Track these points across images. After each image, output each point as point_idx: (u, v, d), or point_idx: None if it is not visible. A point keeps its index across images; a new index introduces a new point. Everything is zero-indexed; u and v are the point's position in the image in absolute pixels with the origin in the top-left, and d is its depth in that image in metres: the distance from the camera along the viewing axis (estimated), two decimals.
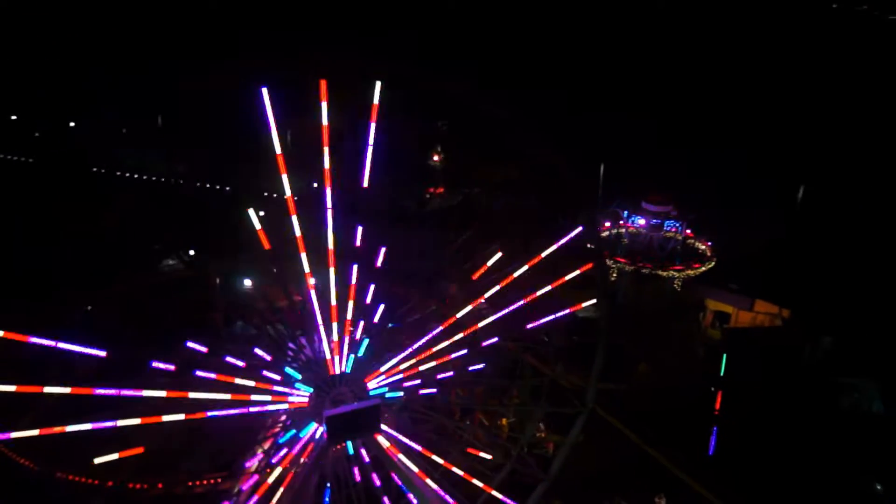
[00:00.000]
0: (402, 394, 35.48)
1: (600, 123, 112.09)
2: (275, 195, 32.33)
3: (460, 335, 34.91)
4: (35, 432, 29.29)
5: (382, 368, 34.63)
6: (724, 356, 62.82)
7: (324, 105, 30.48)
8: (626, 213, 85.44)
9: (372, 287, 34.69)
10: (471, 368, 37.23)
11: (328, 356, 33.57)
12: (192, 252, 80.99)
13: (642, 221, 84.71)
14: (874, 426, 55.36)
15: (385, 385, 34.81)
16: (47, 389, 29.04)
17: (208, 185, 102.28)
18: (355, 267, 33.41)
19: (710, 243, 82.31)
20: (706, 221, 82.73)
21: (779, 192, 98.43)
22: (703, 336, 73.28)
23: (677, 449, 51.49)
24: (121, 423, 30.17)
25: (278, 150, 30.19)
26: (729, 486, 47.66)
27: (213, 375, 31.83)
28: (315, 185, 32.23)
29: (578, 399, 39.03)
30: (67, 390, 29.46)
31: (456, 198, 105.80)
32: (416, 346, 35.07)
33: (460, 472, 37.16)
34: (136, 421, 30.20)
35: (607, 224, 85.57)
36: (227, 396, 32.23)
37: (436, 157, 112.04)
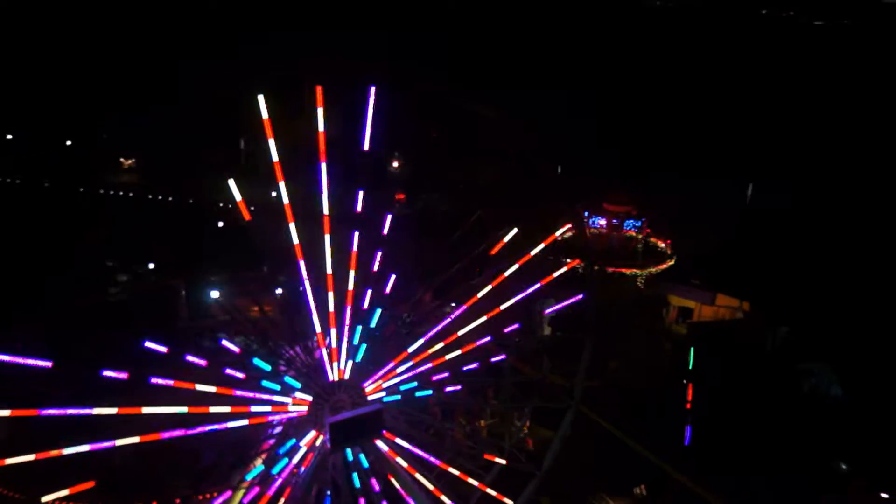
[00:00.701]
0: (399, 397, 35.85)
1: (557, 125, 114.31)
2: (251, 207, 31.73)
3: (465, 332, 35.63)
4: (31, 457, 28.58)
5: (380, 373, 34.99)
6: (692, 349, 65.12)
7: (320, 111, 30.73)
8: (586, 213, 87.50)
9: (369, 292, 34.98)
10: (465, 368, 37.79)
11: (327, 363, 33.76)
12: (150, 266, 79.79)
13: (603, 222, 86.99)
14: (834, 409, 58.24)
15: (383, 389, 35.15)
16: None
17: (168, 198, 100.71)
18: (352, 273, 33.72)
19: (669, 241, 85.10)
20: (665, 220, 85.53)
21: (733, 190, 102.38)
22: (669, 331, 75.63)
23: (655, 441, 53.08)
24: (119, 442, 29.76)
25: (275, 156, 30.31)
26: (707, 474, 49.39)
27: (213, 388, 31.60)
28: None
29: (566, 394, 40.15)
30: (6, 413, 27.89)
31: (417, 205, 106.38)
32: (412, 348, 35.56)
33: (456, 472, 37.83)
34: (135, 439, 29.78)
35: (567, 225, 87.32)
36: (227, 409, 32.08)
37: (395, 164, 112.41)
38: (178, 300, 71.15)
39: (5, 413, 27.87)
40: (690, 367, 64.38)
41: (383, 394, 35.12)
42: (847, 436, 53.65)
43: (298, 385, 33.34)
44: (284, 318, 36.33)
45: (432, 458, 37.11)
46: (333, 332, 33.69)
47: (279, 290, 75.90)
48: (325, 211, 32.21)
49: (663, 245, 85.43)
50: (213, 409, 31.64)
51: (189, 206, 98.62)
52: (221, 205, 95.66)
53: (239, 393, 32.49)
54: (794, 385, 60.97)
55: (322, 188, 32.03)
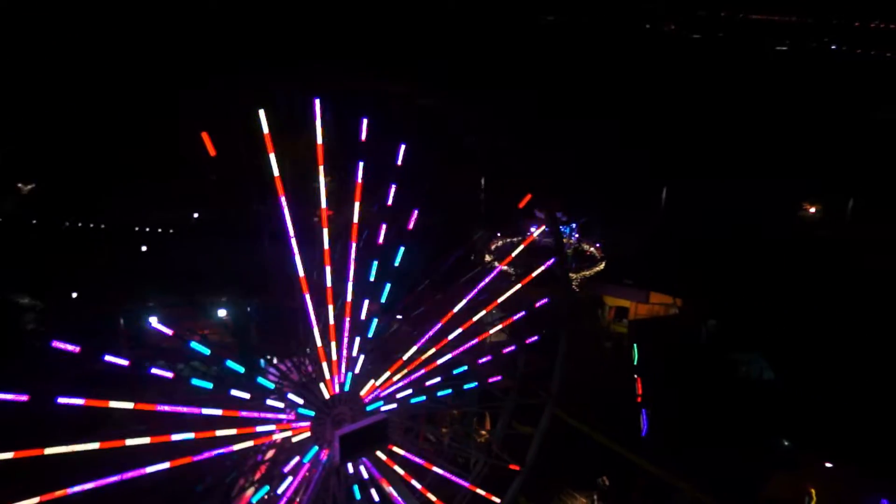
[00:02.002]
0: (395, 405, 36.14)
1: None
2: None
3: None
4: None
5: (378, 382, 35.20)
6: (635, 346, 68.51)
7: (318, 123, 30.90)
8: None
9: (366, 302, 35.20)
10: (455, 371, 38.55)
11: (327, 377, 33.66)
12: (73, 294, 75.43)
13: (533, 228, 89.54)
14: (769, 392, 62.70)
15: (381, 399, 35.37)
16: None
17: (81, 224, 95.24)
18: (350, 283, 33.88)
19: (598, 245, 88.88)
20: (594, 224, 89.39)
21: (656, 191, 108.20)
22: (607, 331, 78.96)
23: (614, 433, 55.46)
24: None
25: (276, 171, 30.18)
26: (666, 459, 52.13)
27: (219, 411, 30.92)
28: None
29: (543, 389, 41.73)
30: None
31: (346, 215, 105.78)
32: (406, 356, 36.00)
33: (447, 475, 38.48)
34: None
35: (499, 234, 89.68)
36: (233, 431, 31.44)
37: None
38: (117, 328, 67.85)
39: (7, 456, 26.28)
40: (635, 363, 67.73)
41: (381, 403, 35.35)
42: (784, 415, 57.90)
43: (300, 401, 33.12)
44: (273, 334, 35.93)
45: (426, 464, 37.68)
46: (333, 344, 33.71)
47: (223, 312, 73.45)
48: (323, 203, 32.23)
49: (593, 249, 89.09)
50: (219, 433, 30.96)
51: (107, 231, 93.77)
52: (138, 229, 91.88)
53: (244, 414, 31.96)
54: (730, 372, 65.16)
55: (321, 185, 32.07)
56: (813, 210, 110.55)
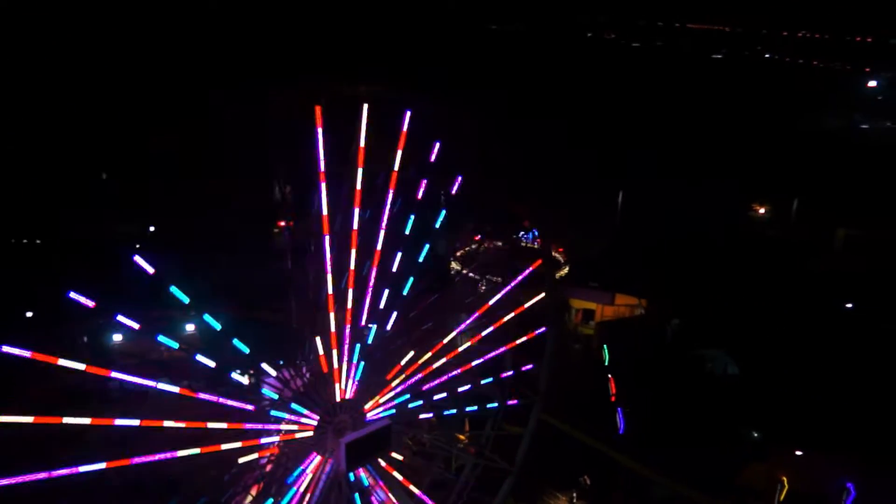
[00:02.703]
0: (394, 411, 36.36)
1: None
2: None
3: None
4: None
5: (376, 389, 35.38)
6: (606, 347, 70.17)
7: (319, 131, 30.89)
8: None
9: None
10: (448, 375, 38.95)
11: (329, 385, 33.68)
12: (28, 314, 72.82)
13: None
14: (735, 386, 65.04)
15: (380, 405, 35.57)
16: None
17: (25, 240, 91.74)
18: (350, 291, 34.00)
19: (561, 249, 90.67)
20: (557, 229, 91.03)
21: (613, 194, 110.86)
22: (575, 333, 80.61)
23: (593, 432, 56.82)
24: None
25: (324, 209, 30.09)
26: (645, 456, 53.69)
27: (224, 425, 30.64)
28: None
29: (530, 389, 42.53)
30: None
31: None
32: (404, 361, 36.31)
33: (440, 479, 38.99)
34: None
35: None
36: (238, 444, 31.21)
37: (278, 190, 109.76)
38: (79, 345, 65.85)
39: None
40: (607, 363, 69.39)
41: (381, 409, 35.57)
42: (751, 407, 60.18)
43: (304, 410, 33.06)
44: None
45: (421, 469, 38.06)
46: (335, 352, 33.74)
47: (191, 327, 72.05)
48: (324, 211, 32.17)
49: (556, 253, 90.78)
50: (224, 447, 30.70)
51: (52, 246, 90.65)
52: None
53: (249, 426, 31.76)
54: (697, 369, 67.34)
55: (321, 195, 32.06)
56: (762, 211, 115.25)
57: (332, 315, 33.08)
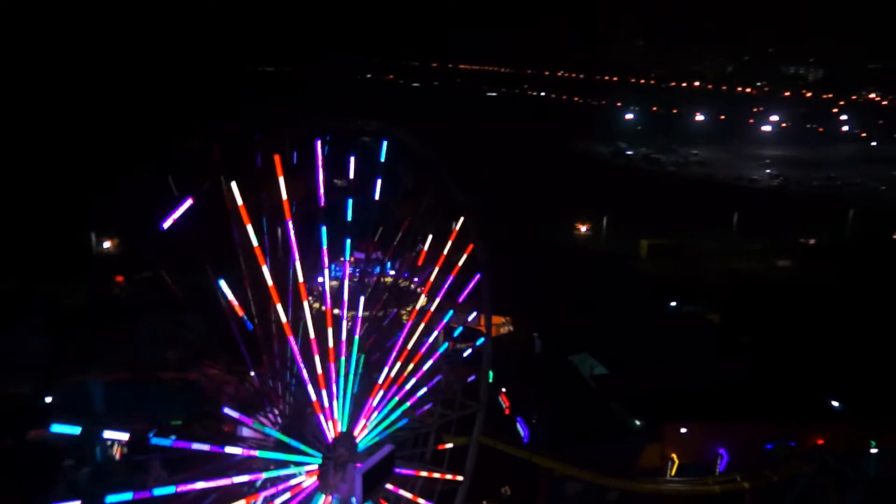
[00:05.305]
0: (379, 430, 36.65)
1: None
2: None
3: None
4: None
5: (361, 414, 35.48)
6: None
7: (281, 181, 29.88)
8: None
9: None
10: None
11: (323, 424, 33.23)
12: None
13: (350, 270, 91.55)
14: (606, 383, 71.89)
15: (367, 429, 35.77)
16: None
17: None
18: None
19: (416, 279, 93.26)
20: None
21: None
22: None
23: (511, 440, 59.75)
24: None
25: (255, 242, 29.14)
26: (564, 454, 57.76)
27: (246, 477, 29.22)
28: None
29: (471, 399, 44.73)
30: None
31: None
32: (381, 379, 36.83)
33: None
34: None
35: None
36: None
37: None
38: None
39: None
40: (491, 381, 72.76)
41: (369, 432, 35.75)
42: (626, 401, 67.16)
43: (307, 458, 32.32)
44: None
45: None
46: (324, 392, 33.46)
47: None
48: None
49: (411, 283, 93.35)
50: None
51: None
52: None
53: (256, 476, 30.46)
54: (572, 373, 73.40)
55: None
56: (584, 229, 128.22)
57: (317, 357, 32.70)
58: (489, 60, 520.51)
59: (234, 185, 27.00)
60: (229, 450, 29.77)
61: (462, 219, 40.21)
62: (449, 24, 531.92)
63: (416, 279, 43.74)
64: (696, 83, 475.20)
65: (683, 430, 60.26)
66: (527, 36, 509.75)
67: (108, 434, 26.24)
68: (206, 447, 28.83)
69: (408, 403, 38.80)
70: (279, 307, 30.72)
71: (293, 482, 31.65)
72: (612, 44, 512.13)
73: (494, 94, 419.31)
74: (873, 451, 61.69)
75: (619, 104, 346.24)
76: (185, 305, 29.88)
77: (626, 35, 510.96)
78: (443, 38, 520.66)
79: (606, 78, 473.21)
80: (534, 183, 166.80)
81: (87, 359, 54.46)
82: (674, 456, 59.86)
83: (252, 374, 32.76)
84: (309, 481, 32.25)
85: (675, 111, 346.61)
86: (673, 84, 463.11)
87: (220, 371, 32.86)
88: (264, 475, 31.10)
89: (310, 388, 32.47)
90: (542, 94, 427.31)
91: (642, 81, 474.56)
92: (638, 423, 64.36)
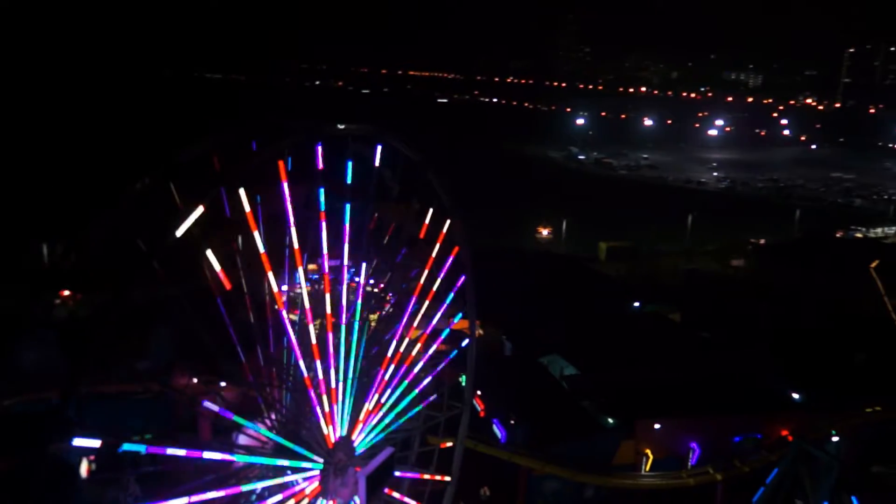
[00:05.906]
0: (382, 434, 36.85)
1: None
2: None
3: None
4: None
5: (359, 418, 35.59)
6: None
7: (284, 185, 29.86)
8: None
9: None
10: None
11: (325, 429, 33.25)
12: None
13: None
14: (577, 383, 73.21)
15: (367, 433, 35.88)
16: None
17: None
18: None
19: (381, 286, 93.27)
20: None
21: None
22: None
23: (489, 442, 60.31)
24: None
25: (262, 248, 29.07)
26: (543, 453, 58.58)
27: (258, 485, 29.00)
28: None
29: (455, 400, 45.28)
30: None
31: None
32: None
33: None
34: None
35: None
36: None
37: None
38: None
39: None
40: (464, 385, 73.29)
41: (366, 436, 35.88)
42: (598, 400, 68.53)
43: (309, 464, 32.29)
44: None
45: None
46: (325, 397, 33.50)
47: None
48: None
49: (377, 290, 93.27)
50: None
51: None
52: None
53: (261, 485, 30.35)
54: (543, 374, 74.46)
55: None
56: (545, 233, 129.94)
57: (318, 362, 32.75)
58: (439, 67, 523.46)
59: (241, 191, 26.90)
60: (207, 455, 29.00)
61: (448, 222, 40.74)
62: (396, 30, 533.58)
63: (402, 285, 43.84)
64: (643, 88, 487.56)
65: (657, 427, 61.76)
66: (475, 43, 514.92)
67: (78, 442, 24.94)
68: (181, 452, 27.63)
69: (401, 406, 39.00)
70: (283, 313, 30.70)
71: (296, 488, 31.57)
72: (559, 51, 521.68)
73: (445, 100, 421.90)
74: (834, 438, 64.60)
75: (568, 109, 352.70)
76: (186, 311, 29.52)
77: (572, 42, 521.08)
78: (392, 44, 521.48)
79: (555, 84, 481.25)
80: (491, 187, 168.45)
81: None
82: (648, 451, 61.34)
83: (250, 378, 32.61)
84: (310, 488, 32.23)
85: (623, 116, 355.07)
86: (620, 90, 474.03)
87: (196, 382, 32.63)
88: (259, 486, 30.94)
89: (311, 392, 32.50)
90: (494, 100, 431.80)
91: (590, 87, 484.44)
92: (611, 420, 65.72)
